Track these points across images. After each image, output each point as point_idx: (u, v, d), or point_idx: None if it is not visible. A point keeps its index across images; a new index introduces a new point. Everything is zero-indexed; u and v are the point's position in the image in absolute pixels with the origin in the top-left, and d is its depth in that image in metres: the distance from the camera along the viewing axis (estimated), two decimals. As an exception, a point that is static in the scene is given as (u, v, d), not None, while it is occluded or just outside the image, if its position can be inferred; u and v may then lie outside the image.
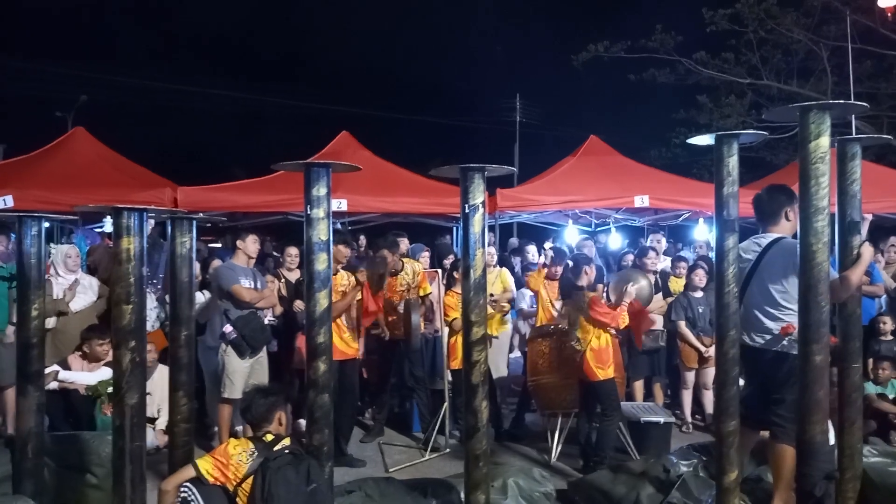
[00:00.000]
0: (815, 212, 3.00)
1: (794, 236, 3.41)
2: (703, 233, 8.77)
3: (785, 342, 3.56)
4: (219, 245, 10.29)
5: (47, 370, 4.24)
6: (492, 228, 8.66)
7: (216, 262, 6.15)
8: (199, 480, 3.13)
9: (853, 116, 10.66)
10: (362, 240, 9.88)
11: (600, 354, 4.83)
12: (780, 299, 3.57)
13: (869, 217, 7.05)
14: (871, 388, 5.47)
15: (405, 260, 5.89)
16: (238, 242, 5.34)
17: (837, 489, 3.37)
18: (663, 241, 8.36)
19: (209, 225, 10.28)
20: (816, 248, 3.01)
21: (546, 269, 5.83)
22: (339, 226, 8.04)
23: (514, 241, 10.48)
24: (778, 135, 14.63)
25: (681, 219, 9.61)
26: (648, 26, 16.78)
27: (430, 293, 5.82)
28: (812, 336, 3.04)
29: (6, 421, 5.19)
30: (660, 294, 6.27)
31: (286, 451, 3.17)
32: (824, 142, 2.98)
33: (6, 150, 20.98)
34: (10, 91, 23.15)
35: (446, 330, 5.63)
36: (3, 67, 22.61)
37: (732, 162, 3.17)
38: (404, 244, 6.18)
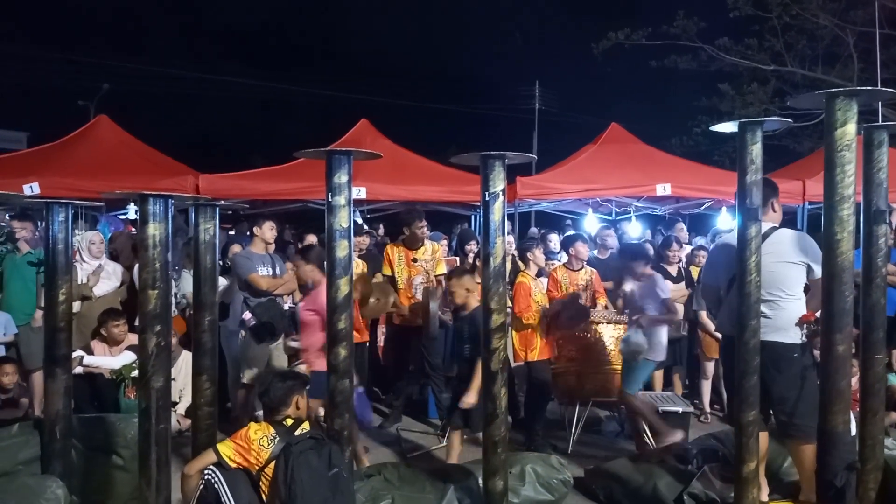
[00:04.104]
0: (840, 200, 2.96)
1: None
2: (726, 222, 8.69)
3: (788, 330, 3.54)
4: (233, 232, 10.39)
5: (73, 355, 4.32)
6: (510, 217, 8.64)
7: (235, 248, 6.22)
8: (221, 464, 3.19)
9: (879, 103, 10.45)
10: (381, 228, 9.94)
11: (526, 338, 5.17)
12: (780, 284, 3.56)
13: (896, 207, 6.92)
14: (893, 379, 5.40)
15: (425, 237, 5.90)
16: (255, 229, 5.40)
17: (859, 480, 3.35)
18: (684, 229, 8.28)
19: (230, 212, 10.39)
20: (841, 237, 2.97)
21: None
22: (358, 214, 8.08)
23: (534, 230, 10.44)
24: (802, 122, 14.40)
25: (703, 207, 9.52)
26: (670, 12, 16.56)
27: (443, 273, 5.84)
28: (835, 325, 3.01)
29: (34, 403, 5.31)
30: (682, 283, 6.23)
31: (308, 436, 3.21)
32: (850, 129, 2.94)
33: (30, 138, 21.32)
34: (33, 80, 23.49)
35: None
36: (27, 57, 22.93)
37: (756, 150, 3.13)
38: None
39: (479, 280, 5.09)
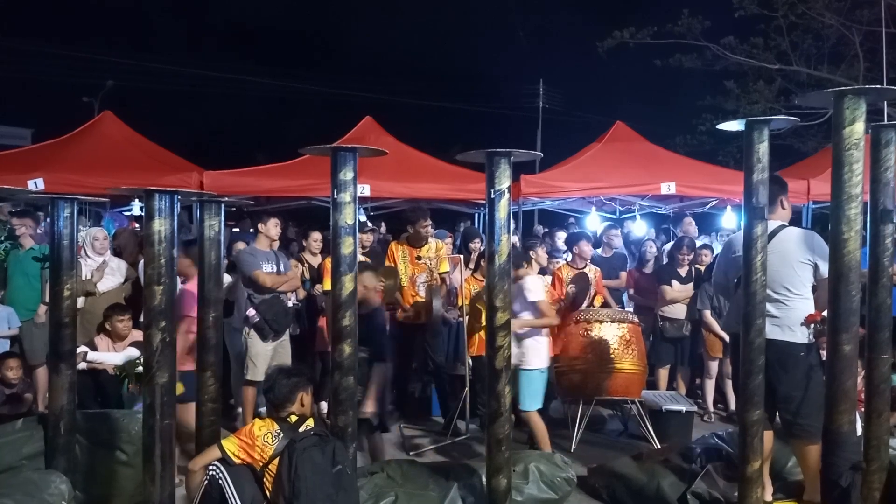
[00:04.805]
0: (847, 199, 2.95)
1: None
2: (731, 221, 8.66)
3: (794, 330, 3.53)
4: (237, 229, 10.39)
5: (77, 351, 4.33)
6: (514, 215, 8.63)
7: (240, 245, 6.21)
8: (225, 460, 3.19)
9: (885, 103, 10.42)
10: (382, 226, 9.93)
11: None
12: (787, 283, 3.55)
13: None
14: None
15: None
16: (259, 226, 5.40)
17: (863, 480, 3.34)
18: (693, 223, 8.21)
19: (234, 209, 10.39)
20: (848, 237, 2.96)
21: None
22: (362, 212, 8.08)
23: (538, 228, 10.44)
24: (806, 122, 14.35)
25: (707, 206, 9.49)
26: (675, 10, 16.51)
27: (447, 272, 5.84)
28: (842, 325, 3.00)
29: (38, 398, 5.32)
30: (690, 284, 6.21)
31: (312, 433, 3.21)
32: (859, 128, 2.92)
33: (34, 134, 21.36)
34: (37, 76, 23.51)
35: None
36: (31, 53, 22.94)
37: (762, 148, 3.12)
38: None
39: (482, 278, 5.12)
